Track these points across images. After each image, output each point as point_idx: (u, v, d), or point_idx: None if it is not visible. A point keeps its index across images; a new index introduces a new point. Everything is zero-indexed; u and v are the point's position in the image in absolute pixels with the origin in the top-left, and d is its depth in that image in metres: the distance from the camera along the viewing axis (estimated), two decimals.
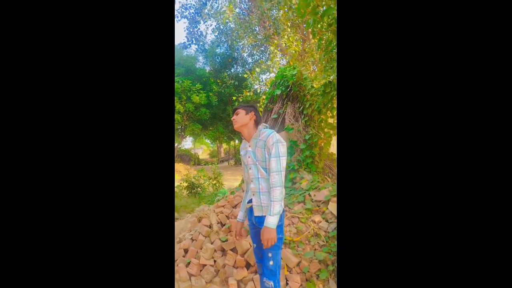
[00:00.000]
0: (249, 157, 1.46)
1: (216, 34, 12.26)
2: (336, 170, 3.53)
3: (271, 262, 1.36)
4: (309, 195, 2.60)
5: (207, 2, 10.60)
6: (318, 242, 2.09)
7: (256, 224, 1.45)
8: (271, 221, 1.30)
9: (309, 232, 2.18)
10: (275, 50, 8.90)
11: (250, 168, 1.46)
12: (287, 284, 1.83)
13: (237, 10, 9.84)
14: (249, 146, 1.47)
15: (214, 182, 6.53)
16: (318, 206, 2.46)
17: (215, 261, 2.21)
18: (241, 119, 1.48)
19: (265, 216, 1.37)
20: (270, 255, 1.37)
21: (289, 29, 7.96)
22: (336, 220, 2.19)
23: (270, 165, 1.34)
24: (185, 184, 6.20)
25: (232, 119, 1.52)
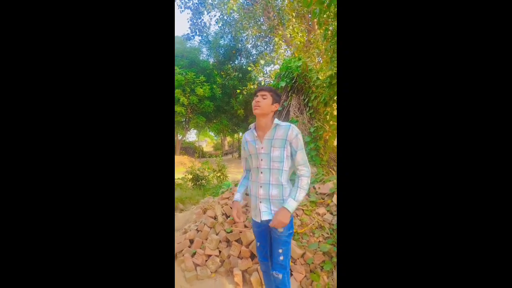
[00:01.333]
0: (261, 160, 1.34)
1: (220, 25, 12.08)
2: None
3: (281, 258, 1.35)
4: (314, 187, 2.60)
5: None
6: (322, 234, 2.10)
7: (262, 223, 1.40)
8: (292, 205, 1.27)
9: (313, 224, 2.19)
10: (280, 41, 8.76)
11: (261, 172, 1.35)
12: (291, 275, 1.86)
13: (241, 0, 9.66)
14: (262, 148, 1.34)
15: (219, 174, 6.56)
16: (323, 199, 2.46)
17: (220, 251, 2.24)
18: (267, 106, 1.30)
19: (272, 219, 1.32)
20: (280, 251, 1.34)
21: (294, 20, 7.80)
22: None
23: (297, 159, 1.30)
24: (190, 176, 6.25)
25: (255, 101, 1.30)
